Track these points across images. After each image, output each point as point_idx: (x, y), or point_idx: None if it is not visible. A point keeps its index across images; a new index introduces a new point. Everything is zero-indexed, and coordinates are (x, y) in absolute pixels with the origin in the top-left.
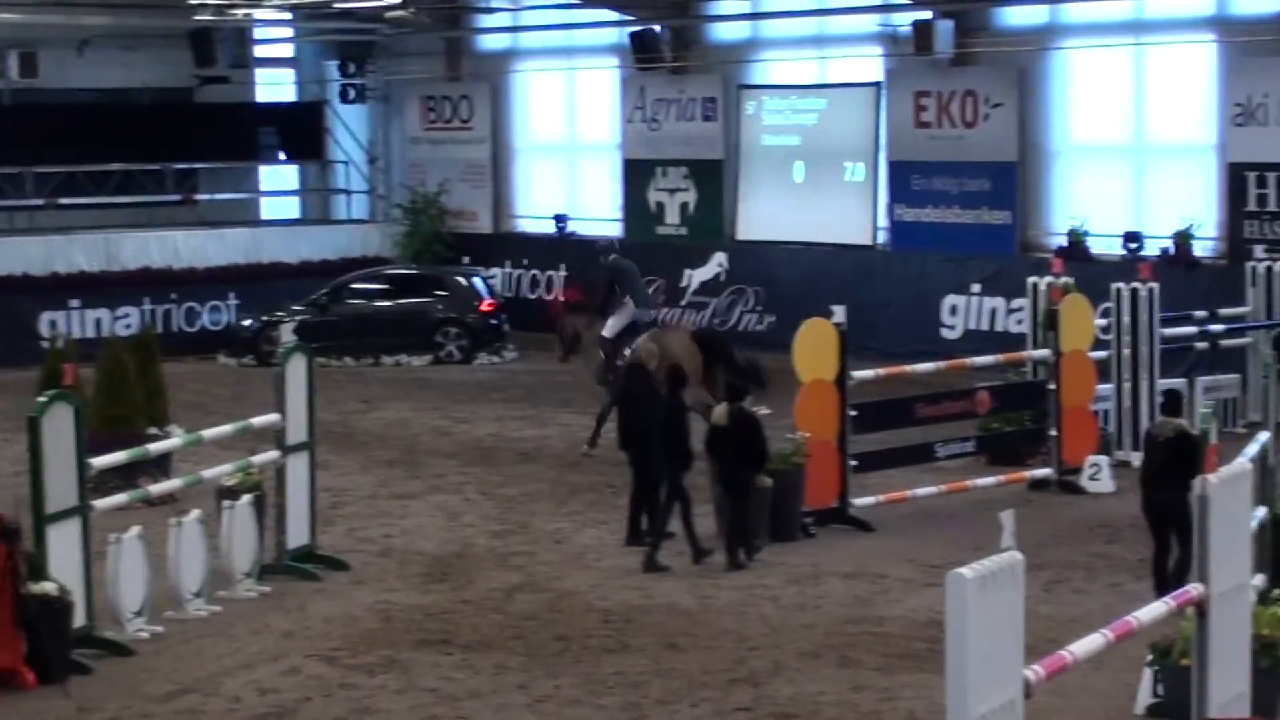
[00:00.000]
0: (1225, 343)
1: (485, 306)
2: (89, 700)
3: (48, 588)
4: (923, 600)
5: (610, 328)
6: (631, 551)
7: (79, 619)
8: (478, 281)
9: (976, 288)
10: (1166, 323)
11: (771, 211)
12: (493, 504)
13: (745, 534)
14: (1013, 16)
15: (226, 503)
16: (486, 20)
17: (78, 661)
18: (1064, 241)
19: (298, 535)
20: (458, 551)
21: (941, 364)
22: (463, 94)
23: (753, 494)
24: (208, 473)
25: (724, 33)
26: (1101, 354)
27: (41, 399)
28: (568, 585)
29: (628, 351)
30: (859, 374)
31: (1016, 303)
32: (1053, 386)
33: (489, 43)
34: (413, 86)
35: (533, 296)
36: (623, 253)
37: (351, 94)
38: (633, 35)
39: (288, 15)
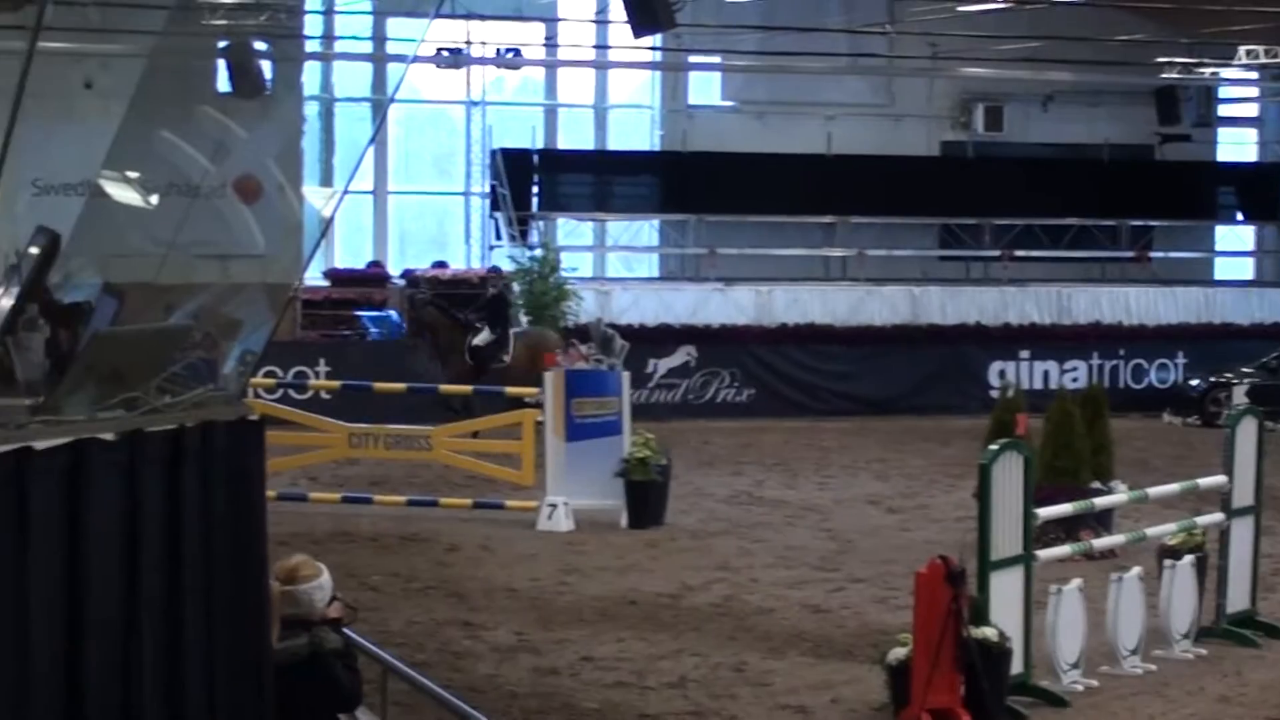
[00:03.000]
0: None
1: None
2: None
3: (988, 633)
4: None
5: (483, 338)
6: None
7: (1016, 666)
8: None
9: None
10: None
11: None
12: None
13: None
14: None
15: (1168, 562)
16: None
17: (1012, 708)
18: None
19: (1238, 599)
20: None
21: None
22: None
23: None
24: (1151, 530)
25: None
26: None
27: (993, 447)
28: None
29: (506, 357)
30: None
31: None
32: None
33: None
34: None
35: None
36: None
37: None
38: None
39: (1254, 75)
